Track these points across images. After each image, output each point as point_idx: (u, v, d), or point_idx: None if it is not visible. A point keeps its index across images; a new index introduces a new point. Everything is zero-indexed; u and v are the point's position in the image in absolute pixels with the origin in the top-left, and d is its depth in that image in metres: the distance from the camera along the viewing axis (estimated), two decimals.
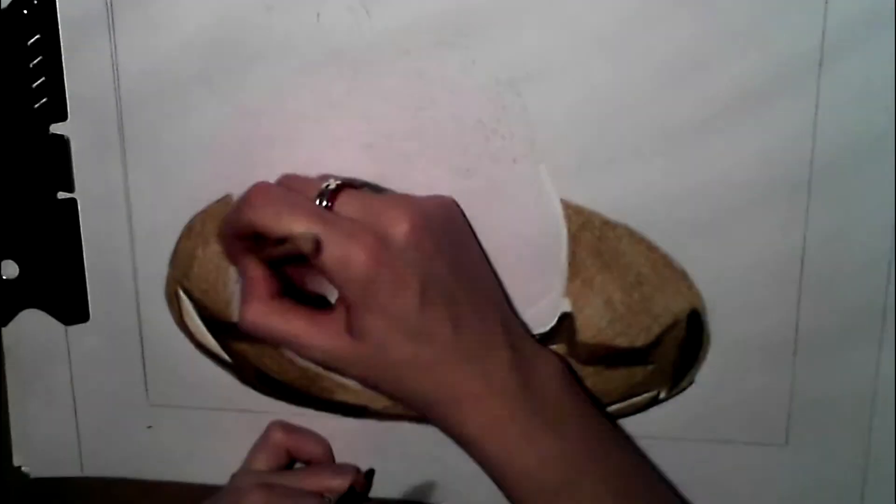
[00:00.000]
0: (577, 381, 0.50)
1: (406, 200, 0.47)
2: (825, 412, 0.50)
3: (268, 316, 0.47)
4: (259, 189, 0.47)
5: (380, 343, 0.46)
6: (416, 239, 0.45)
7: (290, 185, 0.48)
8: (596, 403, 0.51)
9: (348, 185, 0.47)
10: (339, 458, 0.55)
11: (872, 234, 0.47)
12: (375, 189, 0.50)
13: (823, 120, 0.46)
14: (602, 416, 0.50)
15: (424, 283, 0.45)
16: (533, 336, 0.50)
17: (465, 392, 0.46)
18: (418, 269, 0.45)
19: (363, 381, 0.48)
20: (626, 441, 0.51)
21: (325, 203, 0.46)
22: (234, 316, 0.53)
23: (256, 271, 0.48)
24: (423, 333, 0.45)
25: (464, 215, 0.49)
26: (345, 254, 0.44)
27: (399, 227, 0.45)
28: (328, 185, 0.46)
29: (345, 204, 0.46)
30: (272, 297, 0.48)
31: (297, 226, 0.45)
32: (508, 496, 0.48)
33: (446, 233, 0.47)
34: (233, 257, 0.50)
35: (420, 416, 0.50)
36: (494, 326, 0.47)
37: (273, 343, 0.50)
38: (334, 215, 0.45)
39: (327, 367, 0.49)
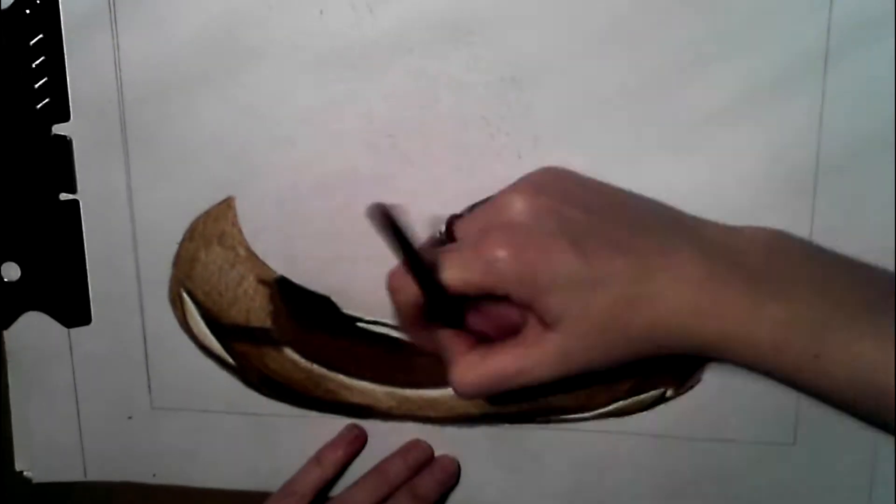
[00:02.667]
0: (804, 245, 0.47)
1: (508, 188, 0.45)
2: (833, 411, 0.49)
3: (473, 371, 0.45)
4: (393, 274, 0.46)
5: (577, 312, 0.43)
6: (534, 204, 0.43)
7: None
8: (600, 402, 0.51)
9: (455, 217, 0.46)
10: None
11: (878, 230, 0.47)
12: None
13: (829, 118, 0.46)
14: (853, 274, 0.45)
15: (569, 236, 0.43)
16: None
17: (678, 302, 0.43)
18: (554, 228, 0.43)
19: (596, 366, 0.45)
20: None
21: (444, 237, 0.46)
22: (238, 318, 0.53)
23: (443, 336, 0.47)
24: (604, 279, 0.43)
25: (562, 170, 0.47)
26: (483, 264, 0.43)
27: (513, 208, 0.44)
28: (439, 233, 0.46)
29: (460, 230, 0.45)
30: (469, 350, 0.46)
31: (443, 270, 0.43)
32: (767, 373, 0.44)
33: (560, 185, 0.45)
34: (427, 344, 0.49)
35: (644, 358, 0.46)
36: (667, 230, 0.45)
37: (501, 391, 0.46)
38: (459, 241, 0.45)
39: (564, 376, 0.45)
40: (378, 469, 0.54)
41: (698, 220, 0.47)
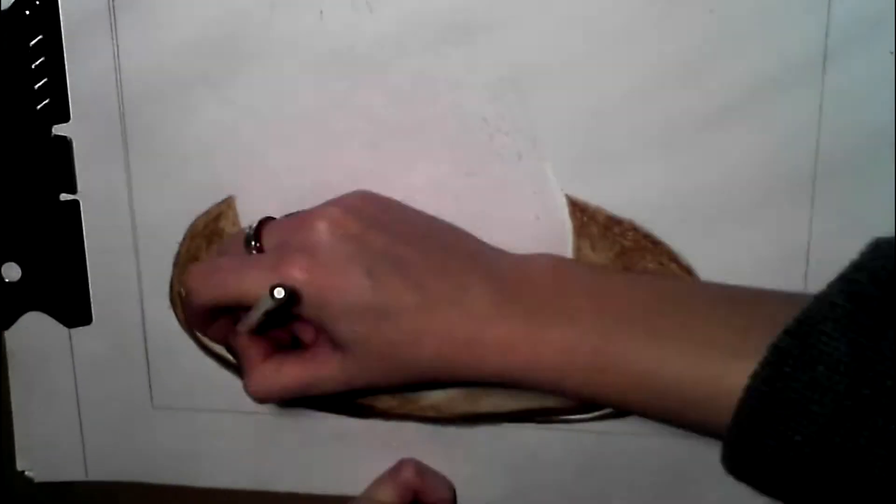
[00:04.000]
0: (590, 267, 0.49)
1: (320, 206, 0.47)
2: None
3: (267, 381, 0.48)
4: (193, 273, 0.48)
5: (363, 340, 0.45)
6: (339, 228, 0.45)
7: (221, 250, 0.50)
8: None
9: (268, 219, 0.48)
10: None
11: (877, 231, 0.47)
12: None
13: (827, 118, 0.46)
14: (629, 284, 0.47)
15: (365, 263, 0.45)
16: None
17: (462, 337, 0.45)
18: (353, 254, 0.45)
19: (380, 387, 0.48)
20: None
21: (255, 245, 0.47)
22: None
23: (241, 343, 0.49)
24: (392, 311, 0.45)
25: (371, 195, 0.49)
26: (278, 283, 0.43)
27: (319, 227, 0.45)
28: (249, 228, 0.48)
29: (267, 237, 0.47)
30: (264, 361, 0.49)
31: (240, 282, 0.45)
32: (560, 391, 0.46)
33: (369, 210, 0.47)
34: (218, 341, 0.52)
35: (442, 383, 0.49)
36: (463, 266, 0.46)
37: (292, 399, 0.50)
38: (261, 255, 0.47)
39: (350, 391, 0.48)
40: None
41: (495, 252, 0.49)
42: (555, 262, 0.48)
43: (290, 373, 0.48)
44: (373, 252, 0.45)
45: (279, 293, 0.43)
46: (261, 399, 0.49)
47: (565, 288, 0.46)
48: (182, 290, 0.48)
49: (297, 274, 0.44)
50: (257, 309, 0.45)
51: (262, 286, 0.44)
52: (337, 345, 0.46)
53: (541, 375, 0.45)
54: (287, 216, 0.48)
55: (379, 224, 0.46)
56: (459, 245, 0.48)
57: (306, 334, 0.50)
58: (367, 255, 0.45)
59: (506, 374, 0.45)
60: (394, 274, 0.45)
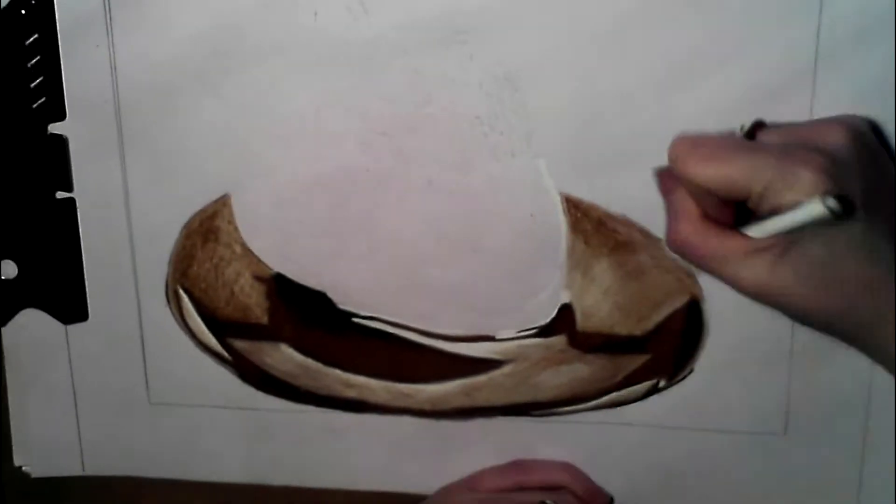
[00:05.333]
0: None
1: (830, 120, 0.44)
2: (823, 402, 0.50)
3: (700, 234, 0.44)
4: (680, 144, 0.44)
5: (824, 264, 0.41)
6: (856, 150, 0.42)
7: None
8: (594, 393, 0.52)
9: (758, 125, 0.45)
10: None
11: None
12: None
13: None
14: None
15: (867, 196, 0.41)
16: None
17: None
18: (860, 181, 0.41)
19: (789, 308, 0.43)
20: None
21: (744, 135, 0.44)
22: (234, 315, 0.54)
23: (685, 198, 0.45)
24: (869, 250, 0.41)
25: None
26: (791, 176, 0.40)
27: (839, 140, 0.42)
28: (743, 125, 0.44)
29: (767, 135, 0.44)
30: (700, 218, 0.44)
31: (734, 168, 0.42)
32: None
33: (873, 143, 0.44)
34: (666, 191, 0.47)
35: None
36: None
37: (700, 265, 0.44)
38: (763, 145, 0.43)
39: (754, 296, 0.43)
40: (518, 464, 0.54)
41: None
42: None
43: (727, 243, 0.43)
44: (873, 187, 0.42)
45: (832, 203, 0.39)
46: (679, 248, 0.45)
47: None
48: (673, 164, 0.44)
49: (814, 177, 0.40)
50: (790, 216, 0.41)
51: (770, 173, 0.41)
52: (793, 253, 0.42)
53: None
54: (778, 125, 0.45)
55: (877, 159, 0.43)
56: None
57: None
58: (869, 189, 0.41)
59: None
60: (883, 218, 0.42)
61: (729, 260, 0.43)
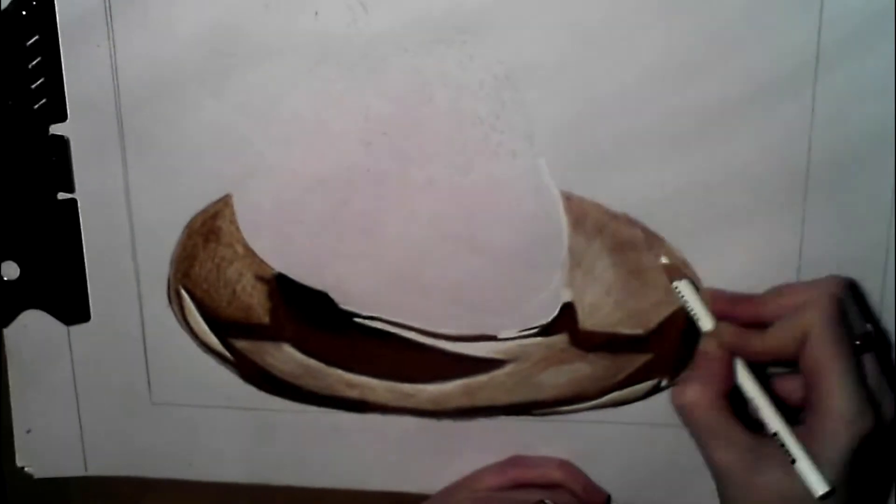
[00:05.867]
0: None
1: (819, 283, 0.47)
2: None
3: (710, 408, 0.46)
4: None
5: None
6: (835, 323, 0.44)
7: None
8: (595, 392, 0.52)
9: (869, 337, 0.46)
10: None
11: (869, 230, 0.48)
12: None
13: (819, 121, 0.47)
14: None
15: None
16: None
17: None
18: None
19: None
20: None
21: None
22: (236, 315, 0.54)
23: (720, 364, 0.47)
24: (862, 418, 0.44)
25: None
26: (854, 418, 0.43)
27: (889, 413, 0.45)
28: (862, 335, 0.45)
29: (868, 364, 0.45)
30: (722, 395, 0.46)
31: (833, 372, 0.44)
32: None
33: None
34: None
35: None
36: None
37: (698, 435, 0.47)
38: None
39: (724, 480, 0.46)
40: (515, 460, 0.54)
41: None
42: None
43: (737, 436, 0.46)
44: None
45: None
46: (683, 407, 0.47)
47: None
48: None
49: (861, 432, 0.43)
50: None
51: (844, 404, 0.43)
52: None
53: None
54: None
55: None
56: None
57: None
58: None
59: None
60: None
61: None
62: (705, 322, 0.47)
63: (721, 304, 0.48)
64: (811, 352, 0.44)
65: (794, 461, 0.44)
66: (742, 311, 0.47)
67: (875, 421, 0.43)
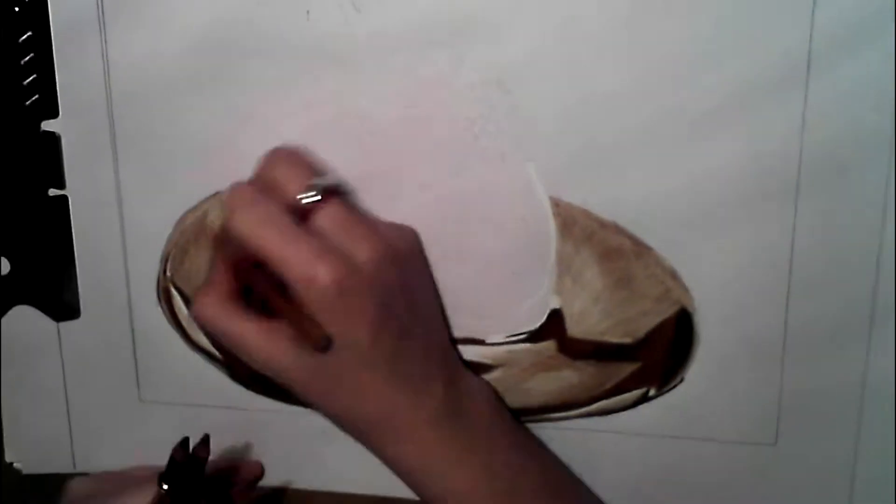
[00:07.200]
0: (504, 406, 0.52)
1: (376, 228, 0.47)
2: (814, 411, 0.50)
3: (220, 313, 0.47)
4: (236, 193, 0.47)
5: (326, 361, 0.46)
6: (380, 270, 0.46)
7: (270, 180, 0.47)
8: (583, 400, 0.51)
9: (330, 191, 0.47)
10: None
11: (860, 235, 0.47)
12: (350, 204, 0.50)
13: (811, 123, 0.46)
14: (530, 439, 0.52)
15: (381, 314, 0.45)
16: (465, 363, 0.52)
17: (398, 419, 0.47)
18: (377, 299, 0.45)
19: (301, 395, 0.48)
20: (555, 460, 0.53)
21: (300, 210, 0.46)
22: None
23: (220, 268, 0.48)
24: (369, 362, 0.46)
25: (422, 250, 0.51)
26: (311, 273, 0.44)
27: (366, 255, 0.45)
28: (304, 198, 0.46)
29: (320, 219, 0.46)
30: (229, 297, 0.48)
31: (268, 242, 0.45)
32: None
33: (407, 267, 0.48)
34: (215, 246, 0.51)
35: (351, 435, 0.50)
36: (434, 360, 0.49)
37: (222, 342, 0.49)
38: (305, 232, 0.45)
39: (270, 377, 0.48)
40: None
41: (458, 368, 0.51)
42: (490, 402, 0.51)
43: (244, 325, 0.47)
44: (390, 308, 0.46)
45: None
46: (199, 322, 0.48)
47: (490, 432, 0.49)
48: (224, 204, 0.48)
49: (331, 283, 0.44)
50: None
51: (295, 267, 0.44)
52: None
53: (437, 493, 0.49)
54: (342, 203, 0.47)
55: (406, 282, 0.47)
56: (442, 338, 0.51)
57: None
58: (384, 309, 0.46)
59: (405, 475, 0.49)
60: (392, 337, 0.46)
61: (246, 340, 0.47)
62: None
63: None
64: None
65: None
66: None
67: (344, 264, 0.44)
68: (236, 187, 0.47)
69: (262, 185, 0.47)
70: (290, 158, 0.48)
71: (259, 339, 0.47)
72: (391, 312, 0.46)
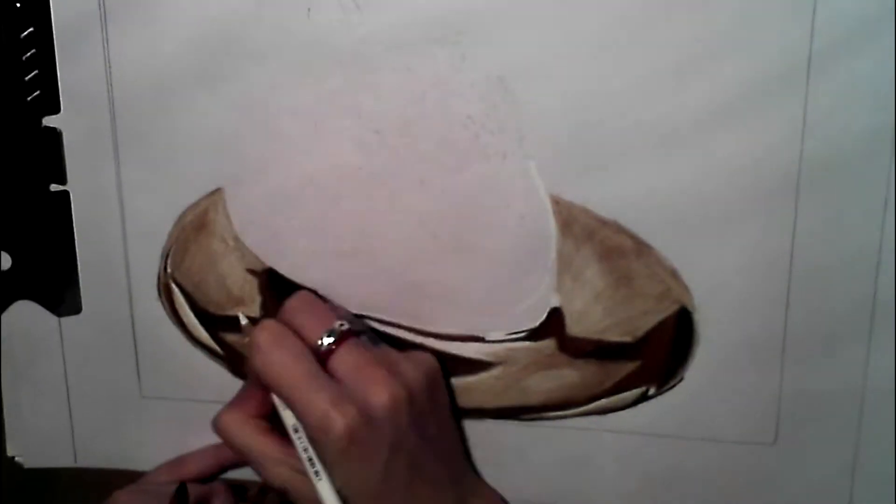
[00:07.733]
0: None
1: (393, 366, 0.48)
2: (814, 411, 0.49)
3: (242, 428, 0.50)
4: (264, 330, 0.48)
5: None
6: (394, 413, 0.46)
7: (295, 322, 0.49)
8: (583, 399, 0.51)
9: (349, 334, 0.48)
10: None
11: (860, 235, 0.47)
12: (374, 338, 0.52)
13: (811, 123, 0.46)
14: None
15: (393, 455, 0.47)
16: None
17: None
18: (390, 440, 0.46)
19: None
20: None
21: (327, 345, 0.48)
22: (227, 309, 0.54)
23: (252, 386, 0.50)
24: (380, 493, 0.47)
25: (446, 377, 0.52)
26: (325, 423, 0.46)
27: (379, 400, 0.46)
28: (325, 343, 0.48)
29: (337, 362, 0.48)
30: (255, 416, 0.50)
31: (285, 389, 0.47)
32: None
33: (424, 404, 0.49)
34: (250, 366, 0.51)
35: None
36: (445, 482, 0.50)
37: (241, 457, 0.51)
38: (324, 376, 0.47)
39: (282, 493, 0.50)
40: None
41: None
42: None
43: (263, 440, 0.50)
44: (402, 447, 0.47)
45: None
46: (219, 432, 0.51)
47: None
48: (247, 335, 0.50)
49: (343, 431, 0.46)
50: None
51: (311, 415, 0.46)
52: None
53: None
54: (363, 341, 0.49)
55: (422, 420, 0.48)
56: (456, 461, 0.52)
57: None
58: (397, 448, 0.47)
59: None
60: (403, 474, 0.47)
61: (264, 457, 0.49)
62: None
63: None
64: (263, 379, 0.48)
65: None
66: None
67: (358, 412, 0.46)
68: (265, 324, 0.49)
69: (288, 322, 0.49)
70: (308, 305, 0.50)
71: (277, 459, 0.49)
72: (402, 448, 0.47)
